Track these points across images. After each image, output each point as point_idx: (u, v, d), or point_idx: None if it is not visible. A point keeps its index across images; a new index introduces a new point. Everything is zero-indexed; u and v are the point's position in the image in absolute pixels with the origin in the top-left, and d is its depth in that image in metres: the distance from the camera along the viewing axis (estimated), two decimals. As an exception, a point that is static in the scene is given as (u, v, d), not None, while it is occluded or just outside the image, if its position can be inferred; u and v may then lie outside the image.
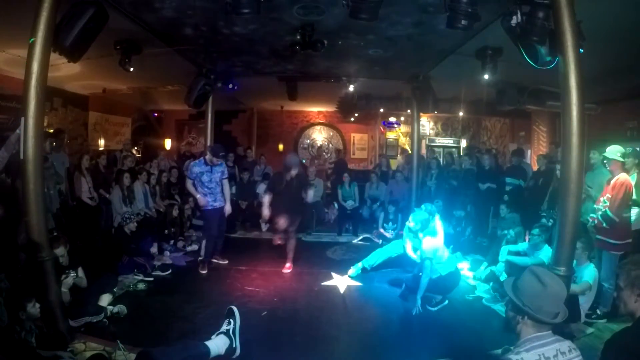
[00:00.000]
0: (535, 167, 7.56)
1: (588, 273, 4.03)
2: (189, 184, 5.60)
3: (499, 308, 4.43)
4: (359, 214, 8.01)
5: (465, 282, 5.31)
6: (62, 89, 8.19)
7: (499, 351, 1.68)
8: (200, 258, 5.75)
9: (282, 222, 5.47)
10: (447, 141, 12.55)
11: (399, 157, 10.62)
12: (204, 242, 5.78)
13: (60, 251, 3.86)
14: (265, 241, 7.23)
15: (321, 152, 12.96)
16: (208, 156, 5.53)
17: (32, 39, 3.12)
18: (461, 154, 11.07)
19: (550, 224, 5.15)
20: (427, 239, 4.44)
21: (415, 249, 5.02)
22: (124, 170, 6.68)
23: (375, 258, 5.47)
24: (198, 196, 5.51)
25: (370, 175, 8.60)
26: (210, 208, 5.56)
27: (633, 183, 4.27)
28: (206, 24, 4.50)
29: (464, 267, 5.65)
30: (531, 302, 1.66)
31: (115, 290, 4.38)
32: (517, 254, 4.91)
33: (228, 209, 5.74)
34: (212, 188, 5.53)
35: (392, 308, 4.50)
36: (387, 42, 4.97)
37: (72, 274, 3.93)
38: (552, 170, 5.99)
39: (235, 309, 2.82)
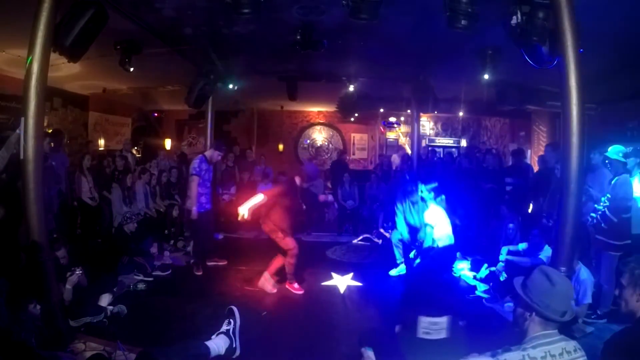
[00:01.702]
0: (536, 168, 7.55)
1: (586, 284, 3.88)
2: (194, 184, 5.13)
3: (499, 308, 4.43)
4: (359, 214, 8.01)
5: (465, 282, 5.31)
6: (62, 89, 8.19)
7: (500, 350, 1.68)
8: (192, 261, 5.67)
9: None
10: (447, 141, 12.54)
11: (394, 156, 10.55)
12: (191, 244, 5.68)
13: (61, 253, 3.87)
14: (265, 241, 7.21)
15: (321, 152, 12.95)
16: (208, 152, 5.46)
17: (30, 59, 3.13)
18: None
19: (550, 224, 5.14)
20: (433, 208, 4.52)
21: (410, 221, 5.10)
22: (120, 171, 6.69)
23: (399, 232, 5.40)
24: (194, 208, 5.18)
25: (370, 175, 8.59)
26: (202, 211, 5.34)
27: (634, 183, 4.26)
28: (206, 24, 4.51)
29: (464, 267, 5.65)
30: (539, 299, 1.69)
31: (115, 290, 4.37)
32: (517, 254, 4.91)
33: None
34: (209, 188, 5.46)
35: (392, 308, 4.49)
36: (387, 42, 4.97)
37: (77, 272, 3.93)
38: (552, 170, 5.98)
39: (235, 309, 2.82)
